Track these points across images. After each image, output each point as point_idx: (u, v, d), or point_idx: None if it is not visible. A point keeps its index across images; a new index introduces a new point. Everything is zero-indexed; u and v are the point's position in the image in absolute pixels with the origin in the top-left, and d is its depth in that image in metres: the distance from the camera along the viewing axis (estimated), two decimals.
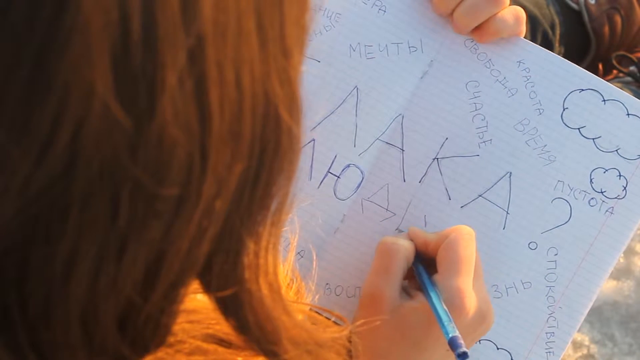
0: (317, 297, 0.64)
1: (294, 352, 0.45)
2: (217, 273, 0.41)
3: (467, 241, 0.69)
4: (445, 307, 0.66)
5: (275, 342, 0.44)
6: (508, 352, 0.77)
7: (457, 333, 0.63)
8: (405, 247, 0.71)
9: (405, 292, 0.70)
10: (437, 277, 0.69)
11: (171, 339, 0.43)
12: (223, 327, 0.46)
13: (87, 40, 0.32)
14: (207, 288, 0.43)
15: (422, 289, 0.69)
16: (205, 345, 0.45)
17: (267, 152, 0.39)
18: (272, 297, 0.44)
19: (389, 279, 0.69)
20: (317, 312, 0.59)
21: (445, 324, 0.64)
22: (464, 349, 0.62)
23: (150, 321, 0.41)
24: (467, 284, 0.67)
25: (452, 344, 0.63)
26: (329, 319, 0.59)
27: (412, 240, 0.73)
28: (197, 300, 0.45)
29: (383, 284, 0.69)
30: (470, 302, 0.67)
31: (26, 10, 0.31)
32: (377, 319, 0.66)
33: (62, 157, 0.33)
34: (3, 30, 0.32)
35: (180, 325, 0.44)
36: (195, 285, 0.42)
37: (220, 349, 0.45)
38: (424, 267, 0.71)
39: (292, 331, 0.45)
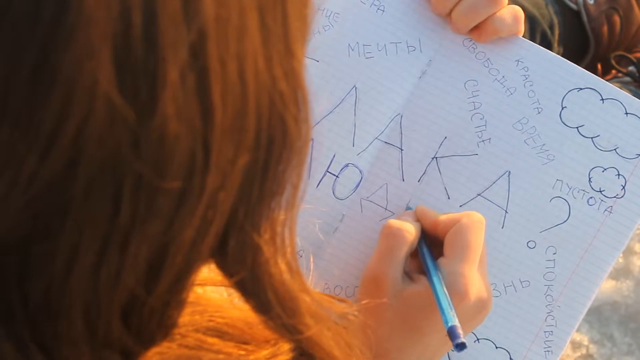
0: None
1: (315, 328, 0.46)
2: (233, 258, 0.42)
3: (477, 228, 0.70)
4: (447, 293, 0.66)
5: (297, 317, 0.45)
6: (507, 350, 0.77)
7: (456, 322, 0.63)
8: (410, 232, 0.71)
9: (408, 275, 0.71)
10: (442, 261, 0.69)
11: (173, 332, 0.43)
12: (225, 320, 0.46)
13: (90, 36, 0.32)
14: (225, 271, 0.43)
15: (425, 272, 0.69)
16: (207, 339, 0.45)
17: (275, 143, 0.40)
18: (291, 276, 0.45)
19: (392, 263, 0.70)
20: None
21: (446, 311, 0.64)
22: (462, 339, 0.62)
23: (155, 314, 0.41)
24: (472, 271, 0.68)
25: (451, 333, 0.63)
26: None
27: (419, 220, 0.74)
28: (196, 292, 0.46)
29: (386, 267, 0.70)
30: (473, 289, 0.67)
31: (29, 6, 0.32)
32: (373, 301, 0.66)
33: (67, 152, 0.34)
34: (6, 26, 0.32)
35: (182, 318, 0.44)
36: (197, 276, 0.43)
37: (222, 343, 0.46)
38: (429, 249, 0.71)
39: (312, 307, 0.46)
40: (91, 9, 0.32)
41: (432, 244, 0.72)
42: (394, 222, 0.72)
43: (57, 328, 0.38)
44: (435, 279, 0.67)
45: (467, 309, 0.67)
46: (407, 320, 0.69)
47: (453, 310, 0.64)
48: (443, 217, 0.73)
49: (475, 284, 0.68)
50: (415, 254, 0.72)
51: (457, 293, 0.67)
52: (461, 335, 0.62)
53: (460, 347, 0.62)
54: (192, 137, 0.36)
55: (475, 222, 0.70)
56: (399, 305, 0.69)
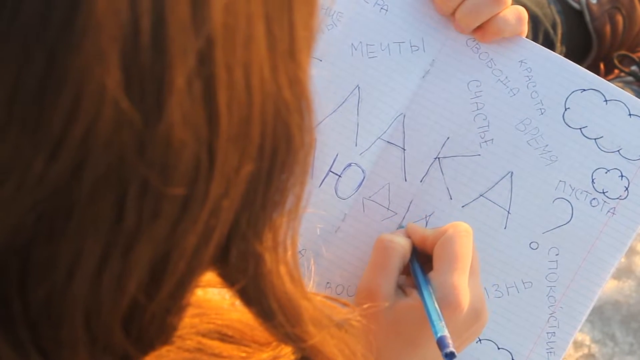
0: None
1: (318, 335, 0.46)
2: (235, 266, 0.42)
3: (463, 238, 0.70)
4: (437, 306, 0.66)
5: (299, 325, 0.45)
6: (509, 351, 0.77)
7: (446, 333, 0.63)
8: (401, 245, 0.71)
9: (402, 289, 0.71)
10: (432, 274, 0.69)
11: (173, 335, 0.43)
12: (225, 322, 0.46)
13: (99, 40, 0.32)
14: (226, 280, 0.43)
15: (416, 286, 0.69)
16: (207, 342, 0.45)
17: (279, 151, 0.40)
18: (293, 285, 0.45)
19: (385, 276, 0.70)
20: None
21: (435, 322, 0.64)
22: (451, 349, 0.62)
23: (156, 320, 0.41)
24: (462, 281, 0.68)
25: (440, 343, 0.63)
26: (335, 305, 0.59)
27: (409, 236, 0.74)
28: (196, 294, 0.46)
29: (379, 280, 0.70)
30: (465, 299, 0.67)
31: (39, 10, 0.32)
32: (374, 305, 0.66)
33: (73, 155, 0.34)
34: (16, 29, 0.32)
35: (182, 321, 0.44)
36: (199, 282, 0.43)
37: (222, 345, 0.46)
38: (420, 264, 0.71)
39: (314, 314, 0.46)
40: (101, 13, 0.32)
41: (424, 261, 0.72)
42: (386, 235, 0.73)
43: (57, 332, 0.38)
44: (424, 292, 0.67)
45: (460, 319, 0.67)
46: (402, 333, 0.69)
47: (442, 322, 0.64)
48: (430, 232, 0.73)
49: (467, 293, 0.67)
50: (409, 270, 0.72)
51: (449, 304, 0.66)
52: (450, 345, 0.62)
53: (450, 356, 0.62)
54: (197, 144, 0.36)
55: (461, 231, 0.70)
56: (392, 319, 0.69)
